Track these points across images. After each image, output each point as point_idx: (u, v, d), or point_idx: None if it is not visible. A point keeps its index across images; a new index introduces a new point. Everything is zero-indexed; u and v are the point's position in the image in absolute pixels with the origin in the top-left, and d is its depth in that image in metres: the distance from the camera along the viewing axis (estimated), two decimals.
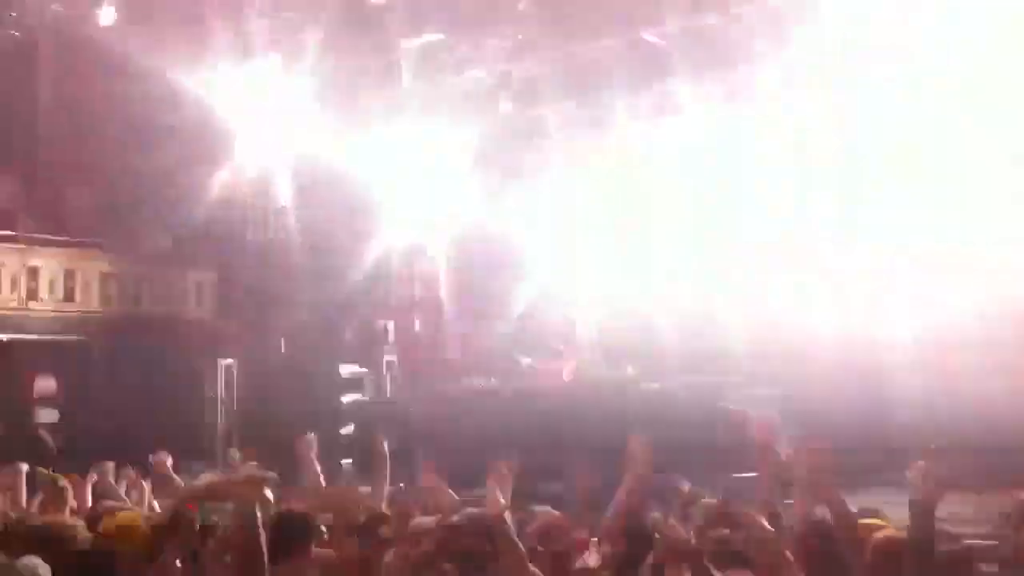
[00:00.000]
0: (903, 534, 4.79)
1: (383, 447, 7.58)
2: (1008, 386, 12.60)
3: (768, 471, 6.26)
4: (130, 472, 7.91)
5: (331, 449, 11.35)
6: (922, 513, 4.41)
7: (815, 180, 16.36)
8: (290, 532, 5.25)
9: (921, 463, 4.45)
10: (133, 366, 15.22)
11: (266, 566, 4.59)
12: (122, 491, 7.70)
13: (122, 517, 5.52)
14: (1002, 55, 13.64)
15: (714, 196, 17.47)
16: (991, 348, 13.24)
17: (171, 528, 4.98)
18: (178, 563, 5.02)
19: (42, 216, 16.38)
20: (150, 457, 7.69)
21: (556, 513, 6.30)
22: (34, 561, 4.85)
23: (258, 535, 4.56)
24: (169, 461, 7.63)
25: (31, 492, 7.59)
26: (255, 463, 5.82)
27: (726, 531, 5.19)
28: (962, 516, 7.10)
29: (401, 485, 7.91)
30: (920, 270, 14.60)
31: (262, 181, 17.33)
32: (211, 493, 5.13)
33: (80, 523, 5.78)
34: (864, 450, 11.05)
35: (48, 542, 5.15)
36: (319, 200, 17.39)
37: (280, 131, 17.15)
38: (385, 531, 6.03)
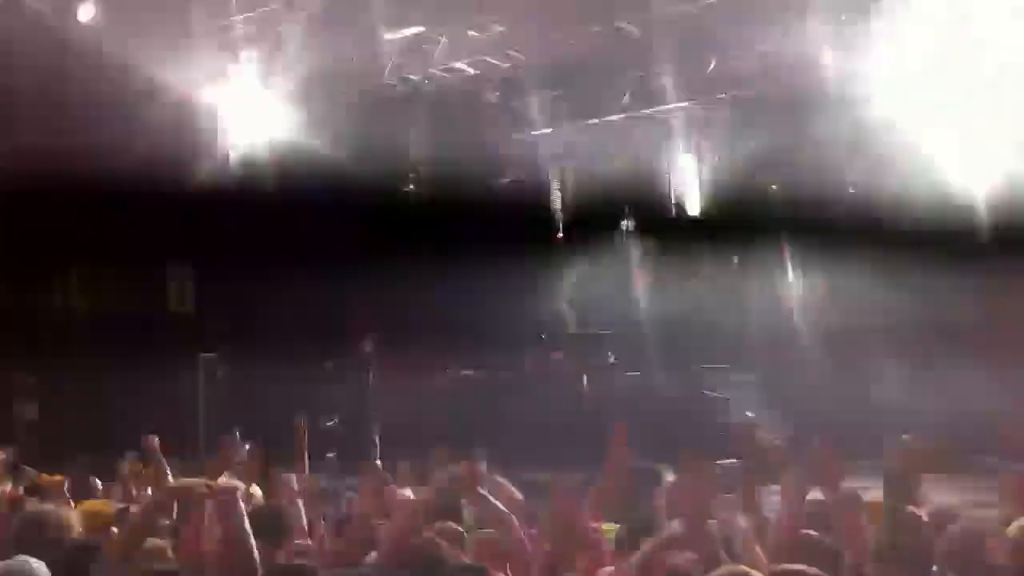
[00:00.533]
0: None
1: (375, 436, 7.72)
2: (984, 367, 12.69)
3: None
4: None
5: (316, 441, 11.35)
6: (897, 482, 4.46)
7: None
8: (265, 527, 5.30)
9: (903, 438, 4.52)
10: (114, 362, 15.19)
11: (257, 563, 4.62)
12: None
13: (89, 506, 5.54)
14: None
15: (700, 182, 17.55)
16: (967, 331, 13.33)
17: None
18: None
19: None
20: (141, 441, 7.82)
21: None
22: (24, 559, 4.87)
23: (246, 535, 4.60)
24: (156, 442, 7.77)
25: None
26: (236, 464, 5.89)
27: None
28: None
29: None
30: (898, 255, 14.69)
31: (243, 174, 17.29)
32: (187, 494, 5.12)
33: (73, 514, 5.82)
34: (843, 435, 11.09)
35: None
36: (300, 191, 17.36)
37: (262, 124, 17.12)
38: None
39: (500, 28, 16.70)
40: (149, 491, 7.50)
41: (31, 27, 15.37)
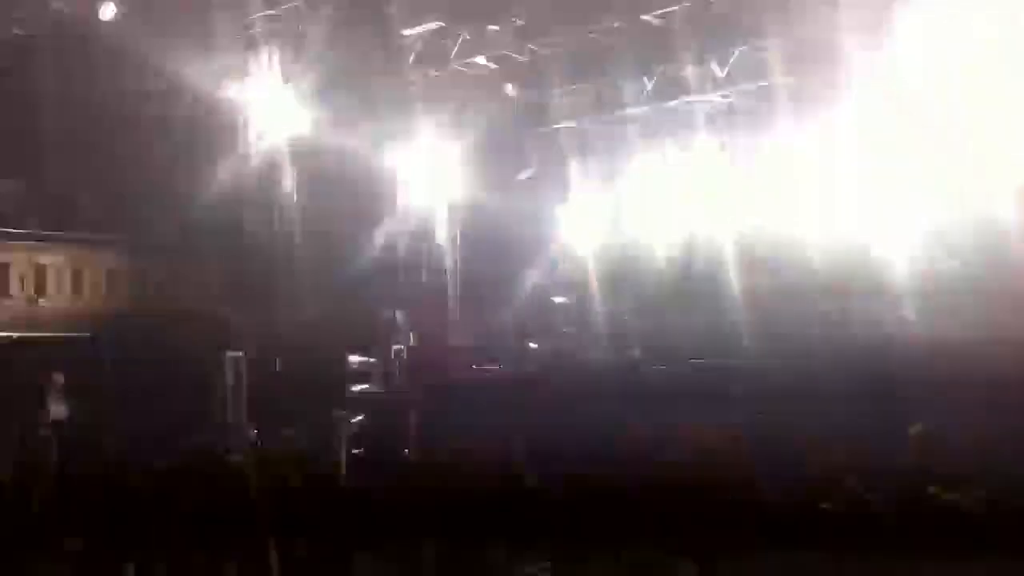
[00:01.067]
0: None
1: None
2: (1008, 368, 12.57)
3: None
4: None
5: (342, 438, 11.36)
6: (915, 471, 4.43)
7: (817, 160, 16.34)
8: None
9: (919, 426, 4.48)
10: (142, 361, 15.23)
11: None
12: None
13: None
14: None
15: (718, 178, 17.49)
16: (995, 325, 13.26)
17: None
18: None
19: (48, 214, 16.41)
20: None
21: None
22: None
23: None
24: None
25: None
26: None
27: None
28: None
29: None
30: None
31: (267, 173, 17.30)
32: None
33: None
34: (866, 425, 11.05)
35: None
36: (324, 190, 17.37)
37: (284, 121, 17.13)
38: None
39: (520, 22, 16.68)
40: None
41: (55, 26, 15.46)
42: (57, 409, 14.06)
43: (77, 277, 16.71)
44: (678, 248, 17.81)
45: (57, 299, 16.41)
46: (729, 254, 16.93)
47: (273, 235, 17.76)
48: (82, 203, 17.01)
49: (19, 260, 16.07)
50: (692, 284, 17.24)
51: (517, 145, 18.96)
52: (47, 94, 16.07)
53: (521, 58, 17.72)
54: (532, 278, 18.85)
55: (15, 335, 15.68)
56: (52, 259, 16.40)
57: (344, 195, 17.78)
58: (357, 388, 16.97)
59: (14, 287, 15.99)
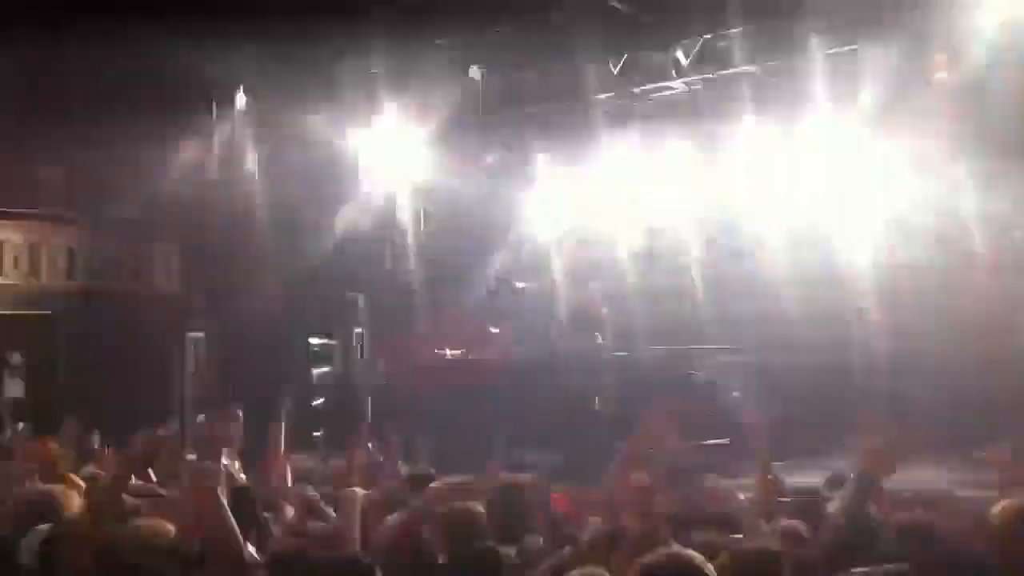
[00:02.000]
0: None
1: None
2: (974, 350, 12.68)
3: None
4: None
5: (302, 422, 11.35)
6: (861, 486, 4.41)
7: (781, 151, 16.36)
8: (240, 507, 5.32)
9: (868, 437, 4.47)
10: (100, 341, 15.13)
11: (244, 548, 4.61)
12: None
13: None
14: None
15: (681, 166, 17.47)
16: (960, 312, 13.34)
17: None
18: None
19: (6, 190, 16.21)
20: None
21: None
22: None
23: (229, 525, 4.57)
24: None
25: None
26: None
27: None
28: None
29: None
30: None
31: (227, 152, 17.18)
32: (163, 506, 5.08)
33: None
34: (830, 416, 11.17)
35: None
36: (286, 170, 17.27)
37: (244, 99, 17.02)
38: None
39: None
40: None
41: None
42: (12, 387, 14.02)
43: (35, 254, 16.53)
44: (643, 236, 17.85)
45: (14, 276, 16.24)
46: (693, 243, 17.02)
47: (235, 218, 17.63)
48: (42, 179, 16.83)
49: None
50: (656, 272, 17.31)
51: (482, 129, 18.87)
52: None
53: (487, 39, 17.59)
54: (496, 263, 18.82)
55: None
56: (9, 235, 16.23)
57: (307, 174, 17.69)
58: (317, 371, 17.00)
59: None
